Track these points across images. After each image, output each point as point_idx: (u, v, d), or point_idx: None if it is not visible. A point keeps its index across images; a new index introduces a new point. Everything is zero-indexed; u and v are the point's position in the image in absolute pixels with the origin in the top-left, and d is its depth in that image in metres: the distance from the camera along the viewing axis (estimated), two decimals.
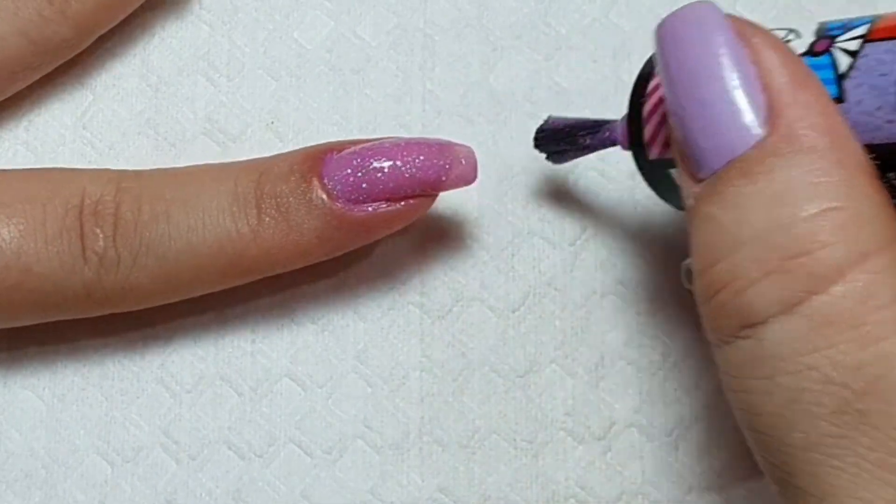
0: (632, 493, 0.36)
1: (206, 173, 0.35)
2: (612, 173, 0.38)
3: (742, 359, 0.26)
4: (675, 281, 0.37)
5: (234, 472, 0.37)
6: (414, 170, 0.34)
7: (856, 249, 0.25)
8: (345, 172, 0.34)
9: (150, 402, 0.37)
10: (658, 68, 0.28)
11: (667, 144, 0.31)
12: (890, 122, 0.27)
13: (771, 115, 0.27)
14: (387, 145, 0.34)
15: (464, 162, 0.34)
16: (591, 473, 0.36)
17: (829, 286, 0.25)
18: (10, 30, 0.36)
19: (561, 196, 0.38)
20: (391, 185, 0.34)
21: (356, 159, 0.34)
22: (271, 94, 0.39)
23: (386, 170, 0.34)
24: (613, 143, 0.34)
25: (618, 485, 0.36)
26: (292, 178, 0.34)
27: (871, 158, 0.27)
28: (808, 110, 0.27)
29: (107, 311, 0.35)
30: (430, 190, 0.34)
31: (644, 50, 0.39)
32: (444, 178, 0.34)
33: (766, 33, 0.28)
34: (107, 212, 0.34)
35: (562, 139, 0.35)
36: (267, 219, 0.34)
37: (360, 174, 0.34)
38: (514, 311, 0.38)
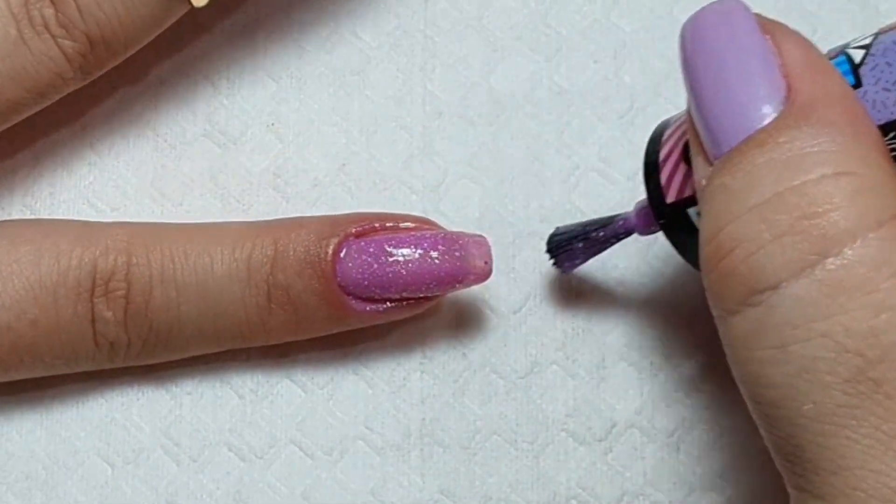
0: (633, 495, 0.36)
1: (217, 247, 0.35)
2: (612, 175, 0.38)
3: (751, 328, 0.26)
4: (677, 282, 0.37)
5: (235, 473, 0.37)
6: (430, 278, 0.34)
7: (870, 215, 0.25)
8: (359, 272, 0.34)
9: (150, 404, 0.37)
10: (682, 60, 0.29)
11: (685, 182, 0.31)
12: None
13: (789, 94, 0.27)
14: (405, 240, 0.34)
15: (483, 263, 0.34)
16: (593, 475, 0.36)
17: (843, 249, 0.25)
18: (29, 95, 0.35)
19: (561, 198, 0.38)
20: (404, 290, 0.34)
21: (372, 259, 0.34)
22: (272, 96, 0.39)
23: (402, 273, 0.34)
24: (628, 233, 0.34)
25: (619, 486, 0.36)
26: (307, 273, 0.34)
27: (890, 139, 0.27)
28: (827, 92, 0.27)
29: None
30: (443, 292, 0.35)
31: (645, 50, 0.39)
32: (459, 283, 0.35)
33: (786, 28, 0.28)
34: (118, 293, 0.34)
35: (575, 238, 0.35)
36: (278, 311, 0.35)
37: (374, 276, 0.34)
38: (515, 313, 0.38)
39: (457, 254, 0.34)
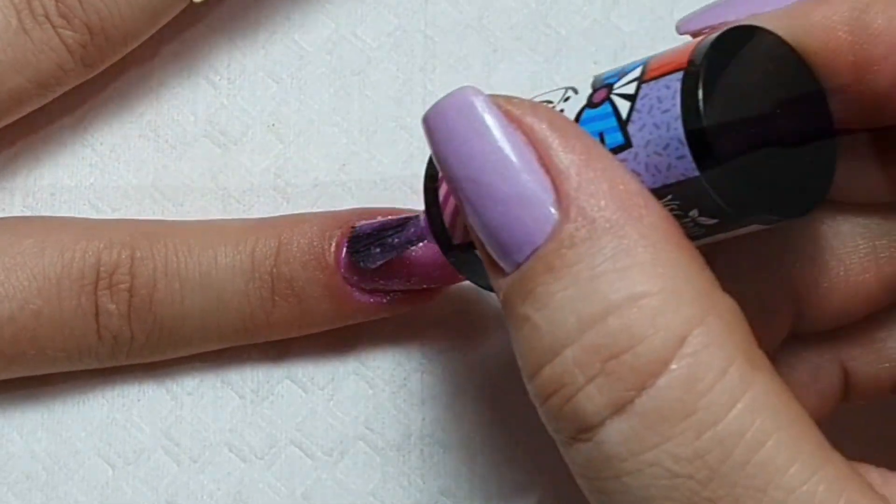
0: None
1: (220, 241, 0.35)
2: None
3: (586, 460, 0.26)
4: None
5: (236, 474, 0.37)
6: (434, 266, 0.34)
7: (672, 335, 0.25)
8: (362, 266, 0.34)
9: (151, 405, 0.37)
10: (436, 163, 0.27)
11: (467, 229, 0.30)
12: (680, 157, 0.26)
13: (559, 198, 0.26)
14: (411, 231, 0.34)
15: None
16: None
17: (655, 380, 0.25)
18: (30, 85, 0.35)
19: None
20: (409, 279, 0.35)
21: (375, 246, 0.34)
22: (272, 97, 0.39)
23: (405, 262, 0.34)
24: (420, 238, 0.33)
25: None
26: (311, 265, 0.35)
27: (669, 200, 0.27)
28: (597, 185, 0.25)
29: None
30: (447, 282, 0.35)
31: (645, 51, 0.39)
32: (453, 279, 0.35)
33: (535, 108, 0.27)
34: (122, 286, 0.34)
35: (372, 243, 0.34)
36: (282, 303, 0.35)
37: (378, 272, 0.35)
38: None
39: None
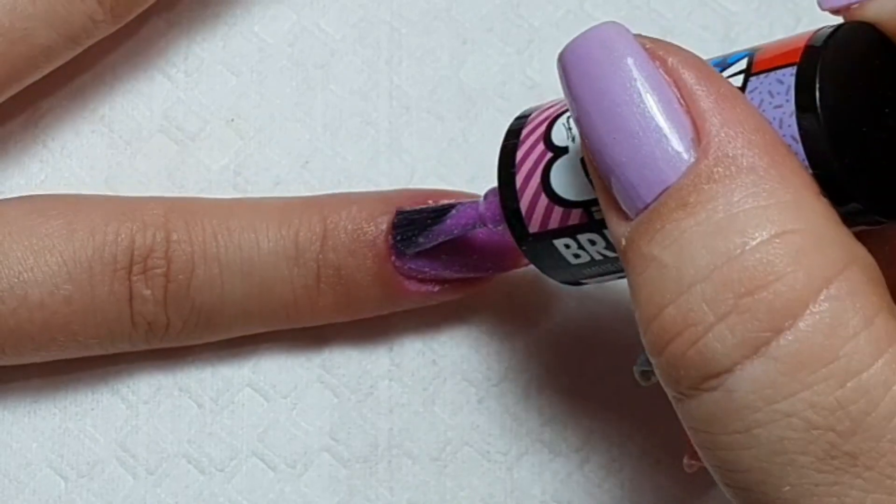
0: None
1: (264, 221, 0.35)
2: None
3: (710, 413, 0.25)
4: None
5: (194, 487, 0.36)
6: (489, 250, 0.35)
7: (816, 276, 0.24)
8: (416, 259, 0.35)
9: (105, 414, 0.37)
10: (567, 100, 0.27)
11: (547, 214, 0.30)
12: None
13: (699, 137, 0.26)
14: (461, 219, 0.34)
15: None
16: (569, 487, 0.37)
17: (795, 321, 0.24)
18: (59, 37, 0.35)
19: None
20: (463, 266, 0.35)
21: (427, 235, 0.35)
22: (231, 91, 0.39)
23: (459, 250, 0.35)
24: (475, 225, 0.34)
25: (596, 498, 0.37)
26: (359, 253, 0.35)
27: None
28: (739, 128, 0.25)
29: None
30: (499, 268, 0.35)
31: None
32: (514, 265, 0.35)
33: (680, 51, 0.27)
34: (157, 272, 0.34)
35: (417, 232, 0.34)
36: (328, 290, 0.35)
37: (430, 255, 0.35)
38: (487, 318, 0.38)
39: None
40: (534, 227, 0.31)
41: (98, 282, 0.34)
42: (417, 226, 0.34)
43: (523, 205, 0.31)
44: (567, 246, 0.30)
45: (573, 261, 0.31)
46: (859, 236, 0.27)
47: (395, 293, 0.35)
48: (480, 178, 0.38)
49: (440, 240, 0.34)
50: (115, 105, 0.39)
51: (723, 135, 0.25)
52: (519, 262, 0.35)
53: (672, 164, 0.25)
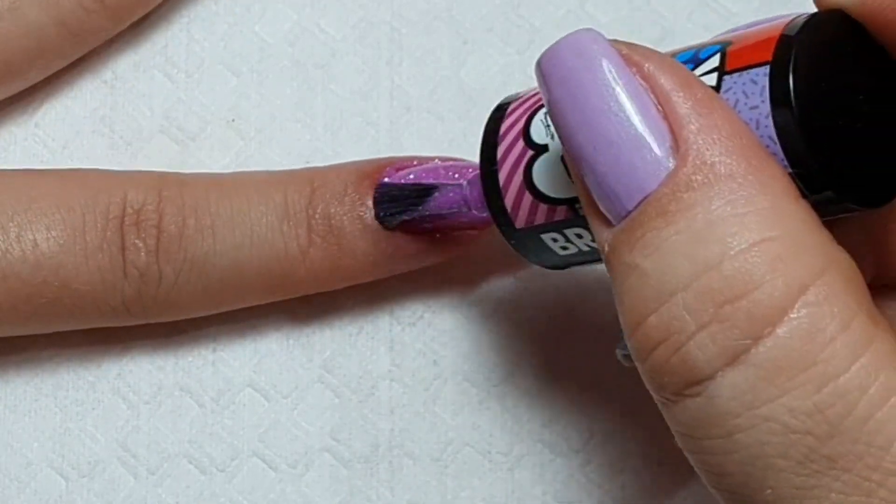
0: None
1: (253, 184, 0.35)
2: None
3: (694, 418, 0.25)
4: None
5: (195, 487, 0.36)
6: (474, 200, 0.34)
7: (793, 282, 0.24)
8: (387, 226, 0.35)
9: (106, 414, 0.37)
10: (546, 108, 0.27)
11: (532, 210, 0.31)
12: (771, 154, 0.26)
13: (677, 144, 0.26)
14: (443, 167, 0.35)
15: None
16: (570, 487, 0.37)
17: (774, 328, 0.24)
18: (49, 20, 0.36)
19: None
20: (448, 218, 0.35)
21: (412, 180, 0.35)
22: (231, 91, 0.39)
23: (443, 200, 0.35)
24: (461, 208, 0.34)
25: (598, 499, 0.37)
26: (346, 199, 0.35)
27: None
28: (716, 134, 0.25)
29: (143, 322, 0.36)
30: (481, 222, 0.35)
31: None
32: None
33: (656, 55, 0.27)
34: (149, 223, 0.34)
35: (398, 210, 0.35)
36: (318, 240, 0.35)
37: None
38: (488, 318, 0.38)
39: None
40: (520, 223, 0.31)
41: (90, 230, 0.34)
42: (400, 203, 0.35)
43: (508, 202, 0.31)
44: (554, 239, 0.31)
45: (561, 252, 0.31)
46: (843, 225, 0.27)
47: (384, 244, 0.35)
48: None
49: (424, 220, 0.35)
50: (115, 105, 0.39)
51: (700, 141, 0.25)
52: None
53: (651, 171, 0.26)
